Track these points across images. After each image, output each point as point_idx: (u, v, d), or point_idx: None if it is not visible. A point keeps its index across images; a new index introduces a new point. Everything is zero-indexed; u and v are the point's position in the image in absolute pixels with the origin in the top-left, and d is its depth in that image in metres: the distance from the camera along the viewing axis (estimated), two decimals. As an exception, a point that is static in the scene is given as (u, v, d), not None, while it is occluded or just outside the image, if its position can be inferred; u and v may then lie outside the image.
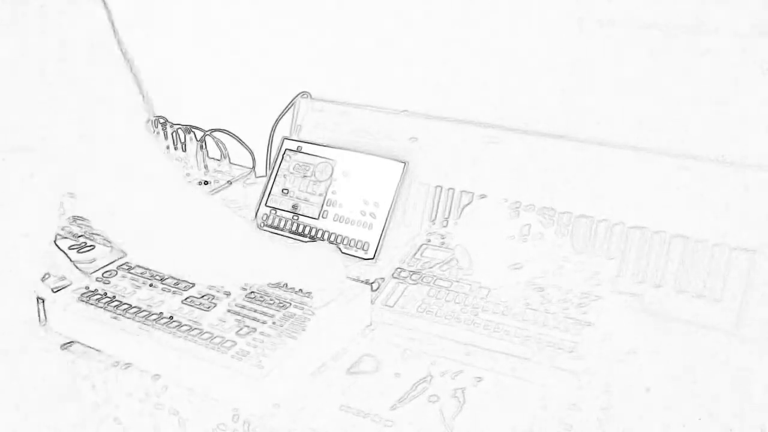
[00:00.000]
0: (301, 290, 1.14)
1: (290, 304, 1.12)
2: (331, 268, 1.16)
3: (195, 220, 1.07)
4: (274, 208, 1.39)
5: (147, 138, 1.04)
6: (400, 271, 1.23)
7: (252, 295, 1.13)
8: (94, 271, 1.21)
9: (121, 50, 0.97)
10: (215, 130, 1.60)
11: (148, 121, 1.05)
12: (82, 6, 0.94)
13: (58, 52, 0.92)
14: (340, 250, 1.31)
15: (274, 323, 1.07)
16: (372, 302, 1.16)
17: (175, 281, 1.17)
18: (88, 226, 1.35)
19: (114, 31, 0.97)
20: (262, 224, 1.39)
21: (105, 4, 0.96)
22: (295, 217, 1.37)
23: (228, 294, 1.14)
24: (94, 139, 0.97)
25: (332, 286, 1.13)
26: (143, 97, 1.02)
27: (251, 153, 1.60)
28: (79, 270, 1.22)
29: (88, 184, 1.01)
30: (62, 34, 0.93)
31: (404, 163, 1.32)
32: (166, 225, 1.04)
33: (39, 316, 1.12)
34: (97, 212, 1.05)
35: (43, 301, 1.15)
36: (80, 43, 0.94)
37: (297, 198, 1.38)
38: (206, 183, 1.56)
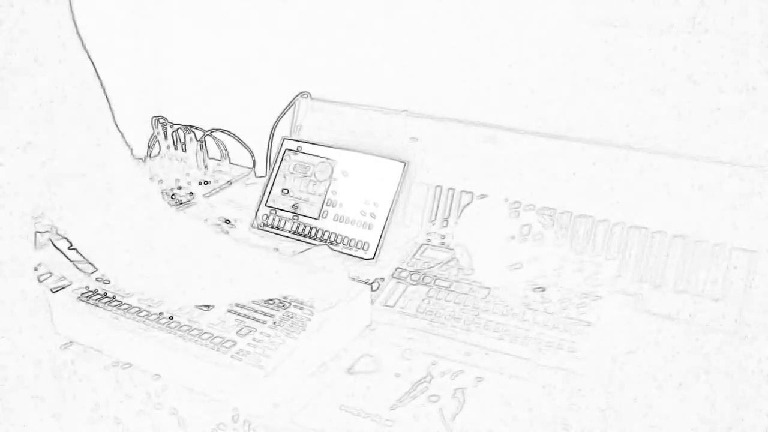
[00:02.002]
0: (301, 302, 1.14)
1: (290, 304, 1.12)
2: (333, 279, 1.15)
3: (178, 241, 1.05)
4: (274, 208, 1.39)
5: (120, 151, 1.02)
6: (400, 271, 1.23)
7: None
8: (94, 271, 1.21)
9: (86, 51, 0.95)
10: (215, 130, 1.60)
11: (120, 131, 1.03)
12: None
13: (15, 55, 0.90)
14: (339, 252, 1.31)
15: (274, 323, 1.07)
16: (372, 302, 1.16)
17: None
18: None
19: (78, 32, 0.95)
20: (262, 224, 1.39)
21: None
22: (295, 217, 1.37)
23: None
24: (61, 155, 0.95)
25: (334, 293, 1.12)
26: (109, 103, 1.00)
27: (251, 153, 1.60)
28: (80, 270, 1.22)
29: (61, 207, 0.99)
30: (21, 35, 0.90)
31: (404, 163, 1.32)
32: (147, 248, 1.02)
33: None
34: (74, 237, 1.03)
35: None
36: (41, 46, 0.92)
37: (297, 198, 1.38)
38: (206, 183, 1.56)
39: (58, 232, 1.04)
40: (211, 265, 1.04)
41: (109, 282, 1.17)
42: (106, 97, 0.95)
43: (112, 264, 1.02)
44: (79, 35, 0.91)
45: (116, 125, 0.97)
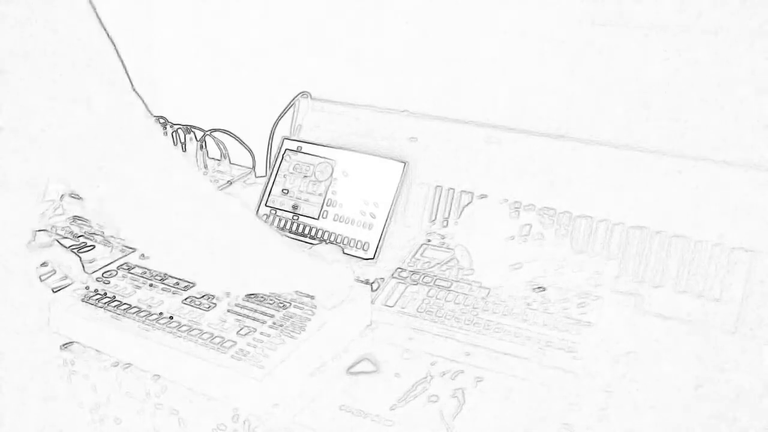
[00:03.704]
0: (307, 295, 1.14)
1: (290, 304, 1.12)
2: (339, 277, 1.15)
3: (209, 219, 1.05)
4: (274, 208, 1.39)
5: (157, 135, 1.02)
6: (400, 271, 1.23)
7: (251, 296, 1.13)
8: (94, 271, 1.21)
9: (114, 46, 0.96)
10: (215, 130, 1.60)
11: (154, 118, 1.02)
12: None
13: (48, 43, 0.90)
14: (343, 251, 1.31)
15: (274, 323, 1.07)
16: (372, 302, 1.16)
17: (176, 281, 1.17)
18: (88, 225, 1.35)
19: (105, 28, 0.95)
20: (262, 224, 1.40)
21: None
22: (295, 217, 1.37)
23: (228, 294, 1.14)
24: (94, 133, 0.95)
25: (341, 291, 1.13)
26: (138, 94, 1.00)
27: (251, 153, 1.60)
28: (83, 269, 1.22)
29: (97, 183, 0.99)
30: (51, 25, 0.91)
31: (404, 163, 1.32)
32: (179, 223, 1.02)
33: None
34: (109, 211, 1.03)
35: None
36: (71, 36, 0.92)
37: (297, 198, 1.38)
38: (206, 183, 1.56)
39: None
40: (237, 249, 1.05)
41: (109, 283, 1.17)
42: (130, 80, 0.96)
43: (145, 238, 1.03)
44: (98, 16, 0.92)
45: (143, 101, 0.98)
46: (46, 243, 1.05)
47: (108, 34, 0.94)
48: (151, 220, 1.01)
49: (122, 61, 0.96)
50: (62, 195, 1.01)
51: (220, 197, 1.11)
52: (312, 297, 1.12)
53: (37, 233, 1.03)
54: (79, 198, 1.00)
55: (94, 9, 0.93)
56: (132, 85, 0.98)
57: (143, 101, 1.00)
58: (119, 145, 0.96)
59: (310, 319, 1.08)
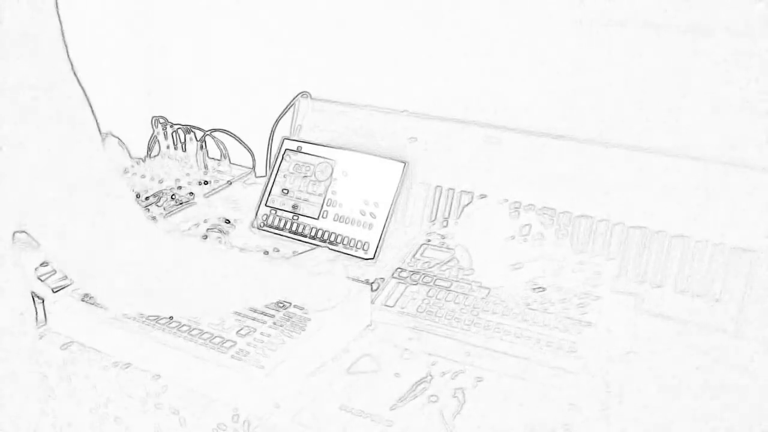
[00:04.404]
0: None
1: (290, 304, 1.12)
2: (333, 282, 1.14)
3: (176, 262, 1.02)
4: (274, 208, 1.39)
5: (110, 175, 0.98)
6: (400, 271, 1.23)
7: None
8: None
9: (75, 74, 0.93)
10: (215, 130, 1.60)
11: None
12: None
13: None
14: (339, 252, 1.31)
15: (274, 323, 1.07)
16: (372, 302, 1.16)
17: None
18: None
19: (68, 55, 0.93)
20: (262, 224, 1.39)
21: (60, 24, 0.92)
22: (295, 217, 1.37)
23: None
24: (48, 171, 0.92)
25: (335, 296, 1.12)
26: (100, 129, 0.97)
27: (251, 153, 1.60)
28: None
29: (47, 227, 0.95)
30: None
31: (404, 163, 1.32)
32: (140, 270, 1.00)
33: (37, 316, 1.11)
34: (63, 259, 1.01)
35: (43, 301, 1.15)
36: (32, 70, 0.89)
37: (297, 198, 1.38)
38: (206, 183, 1.56)
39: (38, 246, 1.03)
40: (204, 276, 1.03)
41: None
42: (90, 106, 0.94)
43: (97, 283, 1.01)
44: (64, 39, 0.90)
45: (99, 131, 0.95)
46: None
47: (80, 83, 0.92)
48: (106, 269, 0.98)
49: (94, 114, 0.94)
50: None
51: (184, 242, 1.11)
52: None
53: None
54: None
55: (70, 60, 0.92)
56: (100, 133, 0.96)
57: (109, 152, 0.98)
58: (73, 191, 0.93)
59: (310, 319, 1.08)
